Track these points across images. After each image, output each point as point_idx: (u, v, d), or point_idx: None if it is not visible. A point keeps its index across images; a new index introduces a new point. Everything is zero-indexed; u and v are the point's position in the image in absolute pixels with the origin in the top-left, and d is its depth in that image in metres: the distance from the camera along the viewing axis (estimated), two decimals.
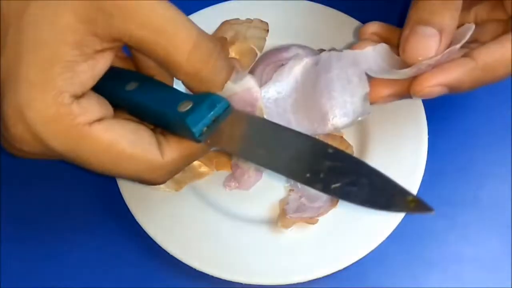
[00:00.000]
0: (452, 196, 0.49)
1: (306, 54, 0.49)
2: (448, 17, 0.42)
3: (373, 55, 0.44)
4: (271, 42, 0.52)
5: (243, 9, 0.53)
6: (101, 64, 0.37)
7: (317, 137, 0.46)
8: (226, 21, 0.52)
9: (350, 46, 0.46)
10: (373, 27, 0.46)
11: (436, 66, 0.42)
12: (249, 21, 0.52)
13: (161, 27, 0.36)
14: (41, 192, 0.50)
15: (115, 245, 0.48)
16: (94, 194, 0.50)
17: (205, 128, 0.38)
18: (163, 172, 0.39)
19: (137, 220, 0.46)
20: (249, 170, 0.48)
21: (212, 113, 0.38)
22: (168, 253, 0.45)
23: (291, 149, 0.38)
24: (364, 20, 0.51)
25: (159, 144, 0.39)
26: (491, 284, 0.46)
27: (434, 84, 0.41)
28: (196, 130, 0.37)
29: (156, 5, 0.36)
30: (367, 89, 0.44)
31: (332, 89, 0.44)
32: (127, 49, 0.40)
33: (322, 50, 0.51)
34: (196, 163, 0.49)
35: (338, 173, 0.36)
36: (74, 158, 0.37)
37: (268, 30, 0.52)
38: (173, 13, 0.37)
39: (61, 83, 0.35)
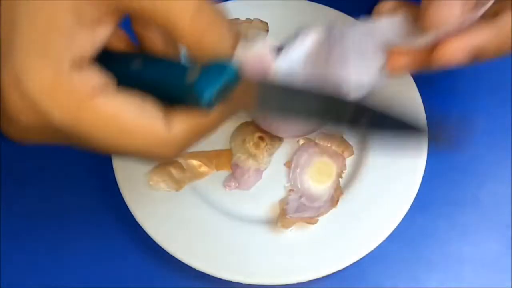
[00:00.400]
0: (452, 196, 0.49)
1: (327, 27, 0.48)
2: None
3: (388, 25, 0.43)
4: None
5: (243, 9, 0.53)
6: (100, 34, 0.35)
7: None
8: None
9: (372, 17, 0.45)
10: (389, 4, 0.44)
11: (458, 32, 0.40)
12: (249, 21, 0.52)
13: None
14: (41, 192, 0.50)
15: (115, 245, 0.48)
16: (94, 194, 0.50)
17: (214, 95, 0.36)
18: (171, 147, 0.37)
19: (137, 220, 0.46)
20: (249, 170, 0.48)
21: (221, 78, 0.36)
22: (168, 253, 0.45)
23: (313, 98, 0.37)
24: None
25: (166, 117, 0.36)
26: (491, 284, 0.46)
27: (458, 47, 0.40)
28: (205, 96, 0.35)
29: None
30: (382, 60, 0.43)
31: (347, 59, 0.43)
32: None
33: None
34: (196, 163, 0.49)
35: (363, 111, 0.36)
36: (74, 132, 0.35)
37: (268, 30, 0.52)
38: None
39: (58, 49, 0.34)
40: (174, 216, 0.47)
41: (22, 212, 0.49)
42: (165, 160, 0.39)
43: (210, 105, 0.36)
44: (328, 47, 0.44)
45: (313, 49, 0.45)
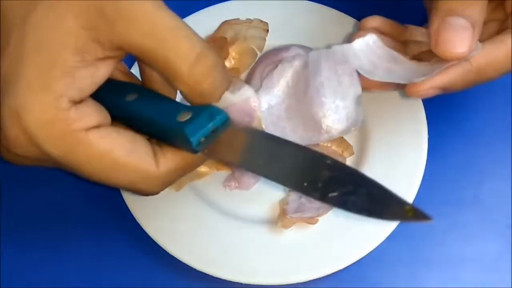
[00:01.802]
0: (452, 196, 0.49)
1: (305, 54, 0.49)
2: (479, 10, 0.41)
3: (362, 48, 0.43)
4: (271, 42, 0.52)
5: (243, 9, 0.53)
6: (101, 72, 0.37)
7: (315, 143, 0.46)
8: (226, 21, 0.52)
9: (349, 39, 0.46)
10: (374, 21, 0.46)
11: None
12: (249, 21, 0.52)
13: (164, 37, 0.36)
14: (41, 193, 0.50)
15: (115, 245, 0.48)
16: (94, 194, 0.50)
17: (203, 139, 0.37)
18: (158, 183, 0.39)
19: (137, 220, 0.46)
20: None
21: (211, 124, 0.38)
22: (168, 253, 0.45)
23: (290, 160, 0.38)
24: None
25: (155, 154, 0.38)
26: (491, 284, 0.46)
27: (430, 87, 0.42)
28: (194, 139, 0.37)
29: (159, 13, 0.36)
30: (359, 90, 0.43)
31: (323, 95, 0.44)
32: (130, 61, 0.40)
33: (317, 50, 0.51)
34: None
35: (336, 183, 0.36)
36: (69, 164, 0.37)
37: (268, 30, 0.52)
38: (176, 23, 0.36)
39: (60, 87, 0.35)
40: (174, 216, 0.47)
41: (22, 212, 0.49)
42: (151, 194, 0.40)
43: (198, 146, 0.37)
44: (305, 78, 0.45)
45: (292, 81, 0.45)
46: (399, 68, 0.42)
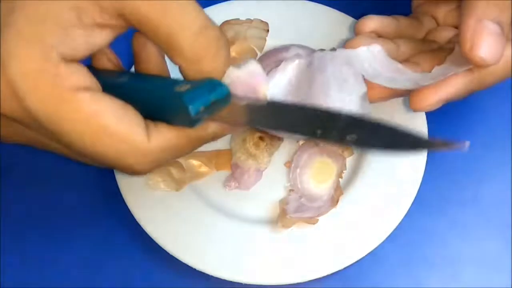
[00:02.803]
0: (452, 196, 0.49)
1: (306, 54, 0.49)
2: (509, 17, 0.41)
3: (366, 55, 0.44)
4: (271, 42, 0.52)
5: (243, 9, 0.53)
6: (97, 39, 0.35)
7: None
8: (226, 21, 0.52)
9: (345, 43, 0.46)
10: (370, 24, 0.45)
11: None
12: (249, 21, 0.52)
13: (168, 5, 0.34)
14: (41, 192, 0.50)
15: (115, 244, 0.48)
16: (94, 194, 0.50)
17: (202, 108, 0.35)
18: (146, 159, 0.36)
19: (137, 219, 0.46)
20: (249, 170, 0.48)
21: (211, 95, 0.35)
22: (168, 253, 0.45)
23: (301, 113, 0.35)
24: None
25: (147, 127, 0.36)
26: (491, 284, 0.46)
27: (436, 100, 0.41)
28: (193, 108, 0.34)
29: None
30: (364, 88, 0.43)
31: (329, 88, 0.43)
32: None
33: (322, 50, 0.51)
34: (196, 163, 0.49)
35: (352, 128, 0.33)
36: (51, 127, 0.34)
37: (268, 30, 0.52)
38: None
39: (51, 39, 0.33)
40: (174, 216, 0.47)
41: (22, 212, 0.49)
42: (138, 174, 0.37)
43: (196, 119, 0.35)
44: (309, 75, 0.44)
45: (295, 78, 0.45)
46: (401, 78, 0.43)
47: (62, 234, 0.49)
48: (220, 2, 0.54)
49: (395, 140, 0.33)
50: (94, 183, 0.50)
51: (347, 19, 0.53)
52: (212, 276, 0.45)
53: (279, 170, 0.49)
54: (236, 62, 0.48)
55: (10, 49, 0.33)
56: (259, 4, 0.54)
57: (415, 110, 0.42)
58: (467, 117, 0.52)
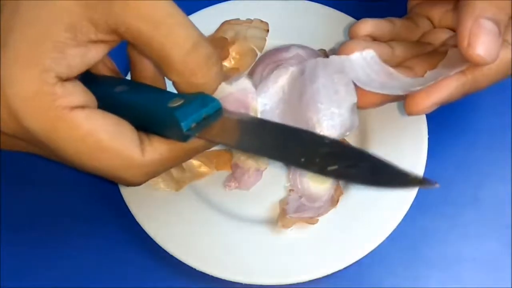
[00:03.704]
0: (452, 196, 0.49)
1: (306, 55, 0.49)
2: (507, 17, 0.41)
3: (360, 61, 0.44)
4: (271, 42, 0.52)
5: (243, 9, 0.53)
6: (92, 55, 0.36)
7: None
8: (226, 21, 0.52)
9: (340, 47, 0.46)
10: (365, 27, 0.45)
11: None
12: (249, 21, 0.52)
13: (161, 21, 0.35)
14: (41, 192, 0.50)
15: (115, 245, 0.48)
16: (94, 194, 0.50)
17: (194, 124, 0.36)
18: (141, 172, 0.37)
19: (137, 220, 0.46)
20: (249, 170, 0.48)
21: (203, 111, 0.36)
22: (168, 253, 0.45)
23: (286, 138, 0.36)
24: None
25: (141, 142, 0.37)
26: (491, 284, 0.46)
27: (430, 104, 0.42)
28: (185, 124, 0.36)
29: None
30: (354, 99, 0.43)
31: (319, 101, 0.43)
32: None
33: (322, 50, 0.51)
34: (196, 163, 0.49)
35: (335, 158, 0.34)
36: (49, 144, 0.35)
37: (268, 30, 0.52)
38: (175, 10, 0.36)
39: (48, 61, 0.34)
40: (174, 216, 0.47)
41: (22, 212, 0.49)
42: (132, 185, 0.39)
43: (187, 133, 0.36)
44: (301, 85, 0.45)
45: (288, 86, 0.45)
46: (393, 82, 0.43)
47: (62, 234, 0.49)
48: (220, 2, 0.54)
49: (374, 175, 0.34)
50: (94, 183, 0.50)
51: (348, 19, 0.53)
52: (212, 276, 0.45)
53: (279, 170, 0.49)
54: (233, 70, 0.49)
55: (8, 71, 0.34)
56: (259, 4, 0.54)
57: (410, 114, 0.42)
58: (467, 117, 0.52)
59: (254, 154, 0.39)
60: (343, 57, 0.44)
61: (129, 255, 0.48)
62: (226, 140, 0.37)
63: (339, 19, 0.53)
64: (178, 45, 0.36)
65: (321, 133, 0.43)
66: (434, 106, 0.42)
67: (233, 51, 0.51)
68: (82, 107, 0.35)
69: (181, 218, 0.47)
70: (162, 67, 0.37)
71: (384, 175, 0.33)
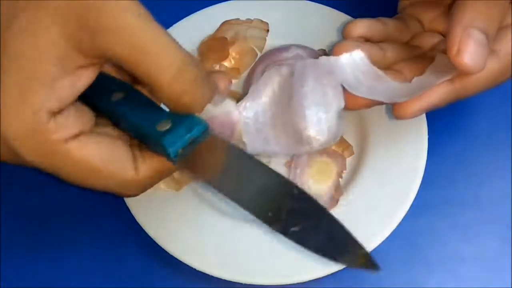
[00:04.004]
0: (452, 196, 0.49)
1: (306, 55, 0.49)
2: (495, 29, 0.42)
3: (349, 62, 0.44)
4: (271, 42, 0.52)
5: (243, 9, 0.53)
6: (83, 80, 0.37)
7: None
8: (226, 21, 0.52)
9: (333, 48, 0.46)
10: (359, 28, 0.46)
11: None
12: (249, 21, 0.52)
13: (145, 49, 0.36)
14: (41, 192, 0.50)
15: (115, 245, 0.48)
16: (94, 194, 0.49)
17: (181, 150, 0.38)
18: (136, 188, 0.40)
19: (137, 220, 0.46)
20: None
21: (189, 135, 0.38)
22: (168, 253, 0.45)
23: (259, 186, 0.38)
24: None
25: (135, 160, 0.39)
26: (491, 284, 0.46)
27: (417, 110, 0.43)
28: (172, 151, 0.38)
29: (142, 25, 0.35)
30: (342, 103, 0.44)
31: (306, 106, 0.44)
32: None
33: (322, 50, 0.51)
34: None
35: (298, 216, 0.37)
36: (50, 171, 0.37)
37: (268, 30, 0.52)
38: (158, 34, 0.36)
39: (38, 99, 0.35)
40: (174, 216, 0.47)
41: (22, 213, 0.49)
42: (130, 197, 0.42)
43: (176, 157, 0.38)
44: (290, 86, 0.45)
45: (278, 88, 0.46)
46: (382, 87, 0.43)
47: (62, 234, 0.49)
48: (220, 2, 0.54)
49: (329, 243, 0.37)
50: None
51: (347, 19, 0.53)
52: (212, 276, 0.45)
53: (279, 170, 0.49)
54: (233, 70, 0.49)
55: (2, 115, 0.35)
56: (259, 4, 0.54)
57: (397, 118, 0.43)
58: (467, 117, 0.52)
59: (227, 197, 0.40)
60: (332, 58, 0.44)
61: (129, 255, 0.48)
62: (206, 178, 0.39)
63: (339, 19, 0.53)
64: (163, 71, 0.36)
65: (309, 138, 0.44)
66: (421, 111, 0.43)
67: (233, 51, 0.51)
68: (76, 135, 0.37)
69: (181, 218, 0.47)
70: (150, 88, 0.38)
71: (336, 246, 0.36)
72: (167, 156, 0.38)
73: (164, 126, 0.38)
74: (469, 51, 0.40)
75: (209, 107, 0.40)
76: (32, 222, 0.49)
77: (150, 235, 0.46)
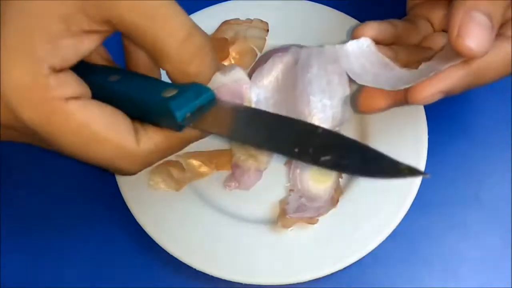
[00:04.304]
0: (452, 196, 0.49)
1: (296, 51, 0.49)
2: (501, 11, 0.41)
3: (355, 50, 0.43)
4: (271, 42, 0.52)
5: (243, 9, 0.53)
6: (85, 45, 0.36)
7: None
8: (226, 21, 0.52)
9: (352, 31, 0.45)
10: (368, 30, 0.45)
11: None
12: (249, 21, 0.52)
13: (154, 11, 0.35)
14: (41, 192, 0.50)
15: (115, 244, 0.48)
16: (94, 194, 0.50)
17: (188, 114, 0.36)
18: (136, 161, 0.38)
19: (137, 220, 0.46)
20: (249, 170, 0.48)
21: (197, 101, 0.37)
22: (168, 253, 0.45)
23: (280, 128, 0.36)
24: (364, 20, 0.50)
25: (136, 132, 0.37)
26: (491, 284, 0.46)
27: (433, 92, 0.41)
28: (179, 114, 0.36)
29: None
30: (347, 90, 0.43)
31: (311, 93, 0.43)
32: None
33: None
34: (196, 163, 0.49)
35: (328, 148, 0.34)
36: (44, 135, 0.35)
37: (268, 30, 0.52)
38: (167, 1, 0.36)
39: (41, 52, 0.34)
40: (174, 216, 0.47)
41: (22, 212, 0.49)
42: (128, 174, 0.39)
43: (182, 123, 0.36)
44: (295, 74, 0.44)
45: (282, 76, 0.45)
46: (387, 74, 0.42)
47: (62, 234, 0.49)
48: (220, 2, 0.54)
49: (365, 165, 0.34)
50: (94, 183, 0.50)
51: (347, 19, 0.53)
52: (212, 276, 0.45)
53: (279, 170, 0.49)
54: (236, 64, 0.49)
55: (1, 63, 0.34)
56: (259, 4, 0.54)
57: (411, 103, 0.41)
58: (467, 117, 0.52)
59: (248, 144, 0.39)
60: (337, 46, 0.44)
61: (129, 255, 0.48)
62: (220, 130, 0.37)
63: (339, 19, 0.53)
64: (172, 35, 0.36)
65: (313, 118, 0.43)
66: (436, 95, 0.41)
67: (233, 51, 0.51)
68: (76, 97, 0.35)
69: (181, 218, 0.47)
70: (156, 57, 0.37)
71: (375, 165, 0.34)
72: (174, 122, 0.36)
73: (170, 92, 0.37)
74: (470, 33, 0.39)
75: (218, 76, 0.39)
76: (32, 222, 0.49)
77: (150, 235, 0.46)
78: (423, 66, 0.42)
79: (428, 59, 0.43)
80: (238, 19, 0.52)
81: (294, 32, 0.53)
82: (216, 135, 0.41)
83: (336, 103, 0.43)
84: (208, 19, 0.52)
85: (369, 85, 0.42)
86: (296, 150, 0.35)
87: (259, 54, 0.52)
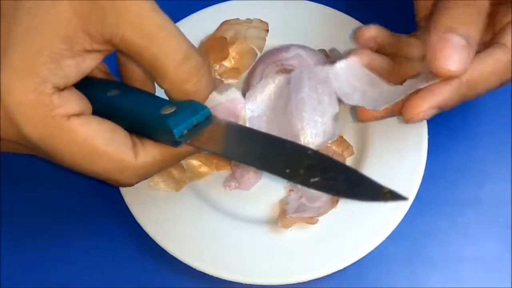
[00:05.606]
0: (452, 196, 0.49)
1: (306, 55, 0.49)
2: (477, 30, 0.41)
3: (344, 68, 0.45)
4: (271, 42, 0.52)
5: (243, 9, 0.53)
6: (87, 64, 0.37)
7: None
8: (226, 21, 0.52)
9: (349, 52, 0.46)
10: (371, 31, 0.45)
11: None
12: (249, 21, 0.52)
13: (154, 34, 0.37)
14: (41, 192, 0.50)
15: (115, 245, 0.48)
16: (94, 194, 0.50)
17: (185, 131, 0.38)
18: (134, 174, 0.39)
19: (137, 220, 0.46)
20: (249, 170, 0.48)
21: (194, 118, 0.39)
22: (168, 253, 0.45)
23: (272, 149, 0.38)
24: (364, 20, 0.51)
25: (134, 146, 0.39)
26: (491, 284, 0.46)
27: (427, 108, 0.41)
28: (177, 131, 0.38)
29: (152, 12, 0.37)
30: (336, 109, 0.45)
31: (303, 110, 0.45)
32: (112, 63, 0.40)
33: (322, 50, 0.51)
34: (196, 163, 0.49)
35: (317, 170, 0.36)
36: (47, 150, 0.37)
37: (268, 30, 0.52)
38: (167, 22, 0.38)
39: (45, 72, 0.36)
40: (174, 216, 0.47)
41: (22, 212, 0.49)
42: (126, 186, 0.41)
43: (179, 140, 0.38)
44: (287, 94, 0.46)
45: (274, 95, 0.47)
46: (374, 91, 0.43)
47: (62, 234, 0.49)
48: (220, 2, 0.54)
49: (351, 187, 0.36)
50: (94, 184, 0.50)
51: (347, 19, 0.53)
52: (212, 276, 0.45)
53: None
54: (233, 70, 0.49)
55: (7, 81, 0.35)
56: (259, 4, 0.54)
57: (408, 121, 0.42)
58: (467, 117, 0.52)
59: (240, 162, 0.41)
60: (327, 67, 0.45)
61: (129, 255, 0.48)
62: (214, 147, 0.39)
63: (339, 19, 0.53)
64: (170, 56, 0.38)
65: (305, 140, 0.45)
66: (430, 110, 0.42)
67: (233, 51, 0.51)
68: (78, 114, 0.37)
69: (181, 218, 0.47)
70: (154, 75, 0.39)
71: (360, 188, 0.36)
72: (171, 138, 0.38)
73: (169, 110, 0.38)
74: (447, 56, 0.40)
75: (214, 95, 0.40)
76: (32, 222, 0.49)
77: (150, 235, 0.46)
78: (407, 82, 0.43)
79: (414, 76, 0.44)
80: (238, 19, 0.52)
81: (294, 32, 0.53)
82: (210, 152, 0.44)
83: (326, 120, 0.45)
84: (208, 19, 0.52)
85: (356, 104, 0.44)
86: (288, 171, 0.37)
87: (259, 54, 0.52)
